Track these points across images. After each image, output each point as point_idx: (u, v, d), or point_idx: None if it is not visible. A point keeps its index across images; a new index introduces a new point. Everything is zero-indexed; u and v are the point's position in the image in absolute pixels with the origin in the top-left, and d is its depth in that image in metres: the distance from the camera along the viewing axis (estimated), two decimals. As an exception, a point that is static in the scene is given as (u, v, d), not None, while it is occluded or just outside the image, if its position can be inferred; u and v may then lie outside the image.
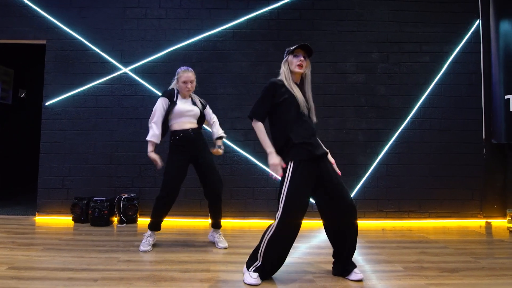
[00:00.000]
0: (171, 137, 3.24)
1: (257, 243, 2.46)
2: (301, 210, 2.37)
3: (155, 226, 3.24)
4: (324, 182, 2.43)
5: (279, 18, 4.60)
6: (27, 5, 4.52)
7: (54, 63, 4.51)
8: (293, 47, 2.48)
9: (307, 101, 2.51)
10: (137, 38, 4.55)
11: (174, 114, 3.20)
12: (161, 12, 4.59)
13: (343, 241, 2.47)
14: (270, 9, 4.59)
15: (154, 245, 3.24)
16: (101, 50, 4.52)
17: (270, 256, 2.39)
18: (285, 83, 2.48)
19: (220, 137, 3.33)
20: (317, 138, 2.55)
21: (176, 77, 3.28)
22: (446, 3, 4.64)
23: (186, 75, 3.20)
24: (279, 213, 2.36)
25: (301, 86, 2.56)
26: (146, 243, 3.16)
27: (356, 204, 4.46)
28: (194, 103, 3.29)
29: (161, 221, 3.26)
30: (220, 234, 3.35)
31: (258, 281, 2.36)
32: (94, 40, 4.52)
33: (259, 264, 2.41)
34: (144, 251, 3.09)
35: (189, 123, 3.23)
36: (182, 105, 3.22)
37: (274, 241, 2.36)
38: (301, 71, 2.48)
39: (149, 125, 3.19)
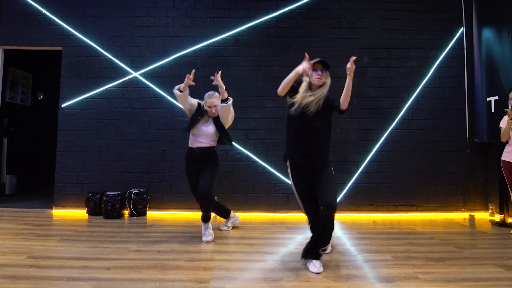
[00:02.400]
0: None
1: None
2: (307, 198, 2.60)
3: (203, 218, 3.19)
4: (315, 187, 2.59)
5: (278, 26, 4.58)
6: (44, 14, 4.50)
7: (70, 68, 4.50)
8: (312, 62, 2.52)
9: (316, 104, 2.54)
10: (146, 45, 4.54)
11: (194, 128, 3.17)
12: (168, 20, 4.57)
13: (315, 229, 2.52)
14: (269, 17, 4.57)
15: (162, 236, 3.25)
16: (113, 56, 4.51)
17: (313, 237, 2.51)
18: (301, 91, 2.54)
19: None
20: (316, 146, 2.54)
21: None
22: (432, 12, 4.62)
23: (210, 100, 3.17)
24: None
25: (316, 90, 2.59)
26: (207, 233, 3.16)
27: (348, 199, 4.49)
28: (214, 122, 3.20)
29: (206, 214, 3.17)
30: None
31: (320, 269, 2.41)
32: (106, 46, 4.52)
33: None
34: (206, 241, 3.09)
35: (199, 143, 3.17)
36: (201, 125, 3.18)
37: (310, 227, 2.62)
38: (319, 83, 2.58)
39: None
